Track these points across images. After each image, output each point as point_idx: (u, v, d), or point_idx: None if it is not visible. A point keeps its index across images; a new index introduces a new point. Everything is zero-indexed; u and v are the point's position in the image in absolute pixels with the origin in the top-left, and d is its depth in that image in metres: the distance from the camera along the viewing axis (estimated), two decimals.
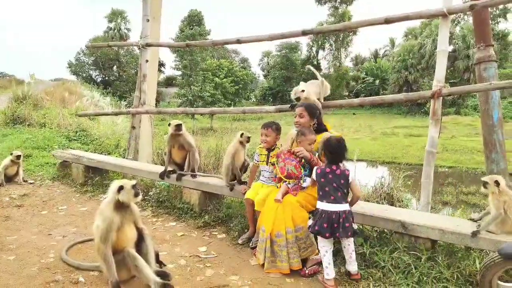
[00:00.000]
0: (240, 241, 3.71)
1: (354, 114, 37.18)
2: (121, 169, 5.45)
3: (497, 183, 2.81)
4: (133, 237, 3.04)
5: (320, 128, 3.54)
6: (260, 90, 51.56)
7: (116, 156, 7.09)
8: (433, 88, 3.54)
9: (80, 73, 46.98)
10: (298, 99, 3.97)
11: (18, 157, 5.98)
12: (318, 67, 48.00)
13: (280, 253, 3.11)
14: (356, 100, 4.14)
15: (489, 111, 3.62)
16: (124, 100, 29.89)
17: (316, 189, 3.20)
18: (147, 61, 5.99)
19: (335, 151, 2.96)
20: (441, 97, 3.46)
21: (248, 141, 4.22)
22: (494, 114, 3.56)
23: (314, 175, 3.00)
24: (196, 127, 29.45)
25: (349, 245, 2.93)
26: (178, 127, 4.40)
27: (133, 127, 5.95)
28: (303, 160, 3.34)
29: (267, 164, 3.78)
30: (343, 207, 2.86)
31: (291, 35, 4.71)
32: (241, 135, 4.20)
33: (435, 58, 3.30)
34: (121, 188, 2.90)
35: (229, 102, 38.07)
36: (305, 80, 3.98)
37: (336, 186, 2.89)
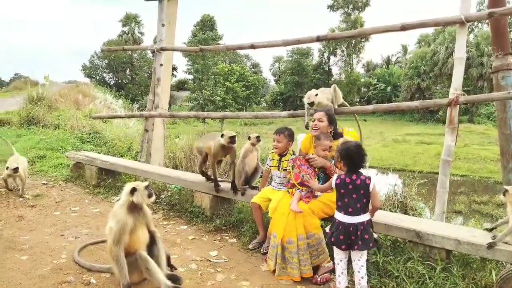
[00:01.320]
0: (250, 247, 3.69)
1: (365, 120, 36.74)
2: (133, 171, 5.49)
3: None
4: (146, 240, 3.05)
5: (336, 134, 3.52)
6: (271, 95, 51.65)
7: (129, 159, 7.15)
8: (450, 96, 3.49)
9: (94, 76, 47.75)
10: (312, 103, 3.96)
11: (16, 170, 5.32)
12: (329, 73, 47.93)
13: (291, 260, 3.09)
14: (369, 107, 4.11)
15: (506, 120, 3.57)
16: (136, 103, 30.26)
17: (329, 195, 3.18)
18: (161, 65, 6.07)
19: (354, 158, 2.79)
20: (458, 105, 3.41)
21: (258, 141, 4.16)
22: None
23: (333, 184, 2.85)
24: (206, 131, 29.71)
25: (359, 260, 2.77)
26: (232, 139, 4.05)
27: (146, 130, 6.00)
28: (317, 169, 3.32)
29: (278, 169, 3.77)
30: (362, 218, 2.73)
31: (306, 41, 4.71)
32: (249, 138, 4.20)
33: (448, 65, 3.27)
34: (134, 190, 2.91)
35: (240, 106, 38.25)
36: (316, 86, 3.98)
37: (356, 197, 2.75)
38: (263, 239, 3.66)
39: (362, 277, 2.77)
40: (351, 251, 2.82)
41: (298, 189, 3.30)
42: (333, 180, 2.87)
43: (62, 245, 3.74)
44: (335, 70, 48.53)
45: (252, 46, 4.77)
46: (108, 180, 5.78)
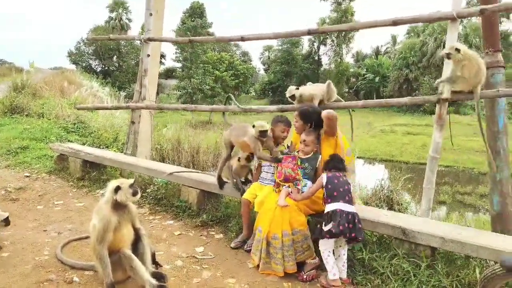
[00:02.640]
0: (232, 245, 3.63)
1: (353, 111, 36.91)
2: (119, 164, 5.39)
3: (457, 50, 3.18)
4: (130, 238, 3.00)
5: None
6: (260, 84, 51.43)
7: (115, 151, 7.04)
8: (440, 91, 3.47)
9: (80, 63, 46.73)
10: (292, 97, 3.90)
11: None
12: (319, 62, 47.84)
13: (275, 255, 3.08)
14: (360, 102, 4.07)
15: (494, 117, 3.57)
16: (123, 91, 29.80)
17: (317, 193, 3.19)
18: (148, 55, 5.89)
19: (334, 164, 3.13)
20: (447, 102, 3.40)
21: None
22: (500, 121, 3.50)
23: (324, 179, 3.03)
24: (195, 120, 29.44)
25: (344, 254, 3.00)
26: (263, 133, 3.59)
27: (133, 122, 5.87)
28: (299, 162, 3.31)
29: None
30: (355, 208, 2.96)
31: (297, 34, 4.63)
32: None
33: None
34: (118, 188, 2.85)
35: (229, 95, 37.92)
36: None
37: (347, 188, 3.00)
38: (246, 237, 3.63)
39: (344, 263, 3.00)
40: (335, 249, 2.99)
41: (285, 185, 3.29)
42: (324, 177, 3.03)
43: (44, 241, 3.66)
44: (324, 60, 48.56)
45: (242, 39, 4.66)
46: (93, 173, 5.67)
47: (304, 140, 3.35)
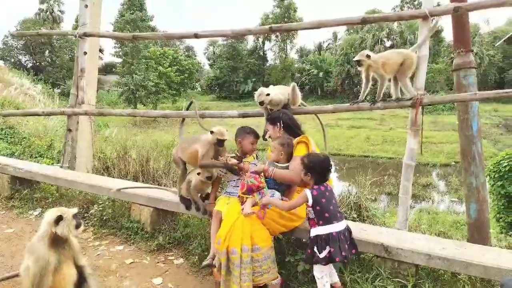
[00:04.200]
0: (205, 263, 3.10)
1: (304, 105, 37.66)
2: (55, 181, 4.66)
3: (368, 56, 3.18)
4: (72, 279, 2.48)
5: (294, 132, 3.17)
6: (206, 80, 50.63)
7: (49, 161, 6.19)
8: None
9: (8, 58, 42.65)
10: (262, 103, 3.50)
11: None
12: (264, 58, 48.04)
13: (234, 272, 2.68)
14: (329, 107, 3.76)
15: (468, 121, 3.47)
16: (58, 88, 27.59)
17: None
18: (85, 53, 5.15)
19: (324, 171, 2.65)
20: (422, 107, 3.22)
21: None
22: (474, 125, 3.42)
23: (309, 198, 2.55)
24: (139, 118, 27.99)
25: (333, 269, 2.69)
26: (221, 142, 3.29)
27: (69, 130, 5.10)
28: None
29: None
30: (345, 221, 2.66)
31: (259, 32, 4.24)
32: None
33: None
34: (59, 219, 2.37)
35: (174, 92, 36.76)
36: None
37: (335, 202, 2.64)
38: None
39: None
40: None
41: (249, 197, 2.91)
42: (308, 194, 2.56)
43: None
44: (270, 56, 48.90)
45: (196, 36, 4.13)
46: (24, 190, 4.87)
47: (281, 145, 3.01)
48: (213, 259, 3.08)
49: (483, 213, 3.40)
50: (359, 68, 3.34)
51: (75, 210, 2.51)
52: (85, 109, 5.01)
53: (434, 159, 18.81)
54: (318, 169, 2.61)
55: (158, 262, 3.42)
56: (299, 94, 3.52)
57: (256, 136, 3.38)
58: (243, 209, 2.81)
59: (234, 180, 3.38)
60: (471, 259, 2.53)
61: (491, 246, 3.59)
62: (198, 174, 3.39)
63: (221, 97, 46.55)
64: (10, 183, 4.91)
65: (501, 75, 38.40)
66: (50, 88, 22.12)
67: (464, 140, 3.52)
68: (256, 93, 3.45)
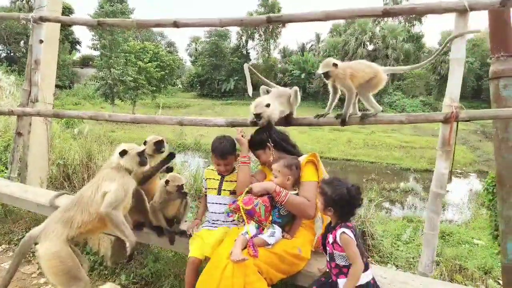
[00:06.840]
0: None
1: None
2: None
3: (335, 65, 2.68)
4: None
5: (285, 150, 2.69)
6: (188, 77, 49.90)
7: (1, 168, 5.37)
8: (445, 108, 2.57)
9: None
10: (258, 116, 2.68)
11: None
12: (247, 56, 47.55)
13: None
14: (336, 121, 3.07)
15: (508, 141, 2.79)
16: None
17: (289, 243, 2.36)
18: (41, 41, 4.36)
19: (352, 204, 2.06)
20: (457, 123, 2.56)
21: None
22: None
23: (349, 234, 1.98)
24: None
25: None
26: (160, 144, 2.96)
27: (19, 134, 4.29)
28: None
29: (218, 193, 2.78)
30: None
31: (254, 23, 3.62)
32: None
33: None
34: (124, 153, 2.49)
35: (154, 88, 35.76)
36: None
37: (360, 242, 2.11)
38: None
39: None
40: None
41: (244, 232, 2.33)
42: (347, 231, 1.98)
43: None
44: (253, 55, 48.53)
45: (176, 24, 3.40)
46: None
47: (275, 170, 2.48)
48: None
49: None
50: (326, 81, 2.78)
51: (142, 147, 2.63)
52: (39, 109, 4.25)
53: (416, 165, 18.80)
54: (344, 203, 2.03)
55: None
56: (299, 100, 2.92)
57: (221, 155, 2.74)
58: (231, 253, 2.20)
59: (217, 204, 2.77)
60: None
61: None
62: (167, 182, 2.76)
63: (203, 94, 45.93)
64: None
65: (478, 82, 39.21)
66: (23, 80, 20.88)
67: (502, 164, 2.85)
68: (253, 105, 2.71)
